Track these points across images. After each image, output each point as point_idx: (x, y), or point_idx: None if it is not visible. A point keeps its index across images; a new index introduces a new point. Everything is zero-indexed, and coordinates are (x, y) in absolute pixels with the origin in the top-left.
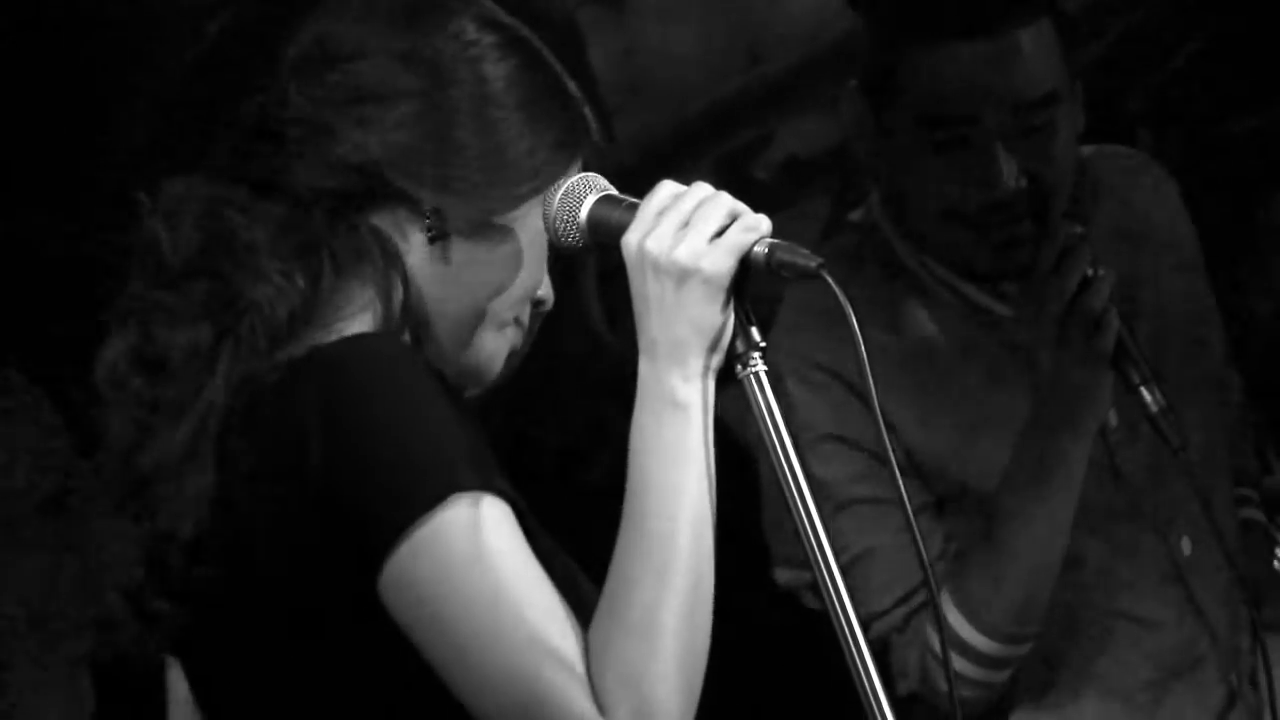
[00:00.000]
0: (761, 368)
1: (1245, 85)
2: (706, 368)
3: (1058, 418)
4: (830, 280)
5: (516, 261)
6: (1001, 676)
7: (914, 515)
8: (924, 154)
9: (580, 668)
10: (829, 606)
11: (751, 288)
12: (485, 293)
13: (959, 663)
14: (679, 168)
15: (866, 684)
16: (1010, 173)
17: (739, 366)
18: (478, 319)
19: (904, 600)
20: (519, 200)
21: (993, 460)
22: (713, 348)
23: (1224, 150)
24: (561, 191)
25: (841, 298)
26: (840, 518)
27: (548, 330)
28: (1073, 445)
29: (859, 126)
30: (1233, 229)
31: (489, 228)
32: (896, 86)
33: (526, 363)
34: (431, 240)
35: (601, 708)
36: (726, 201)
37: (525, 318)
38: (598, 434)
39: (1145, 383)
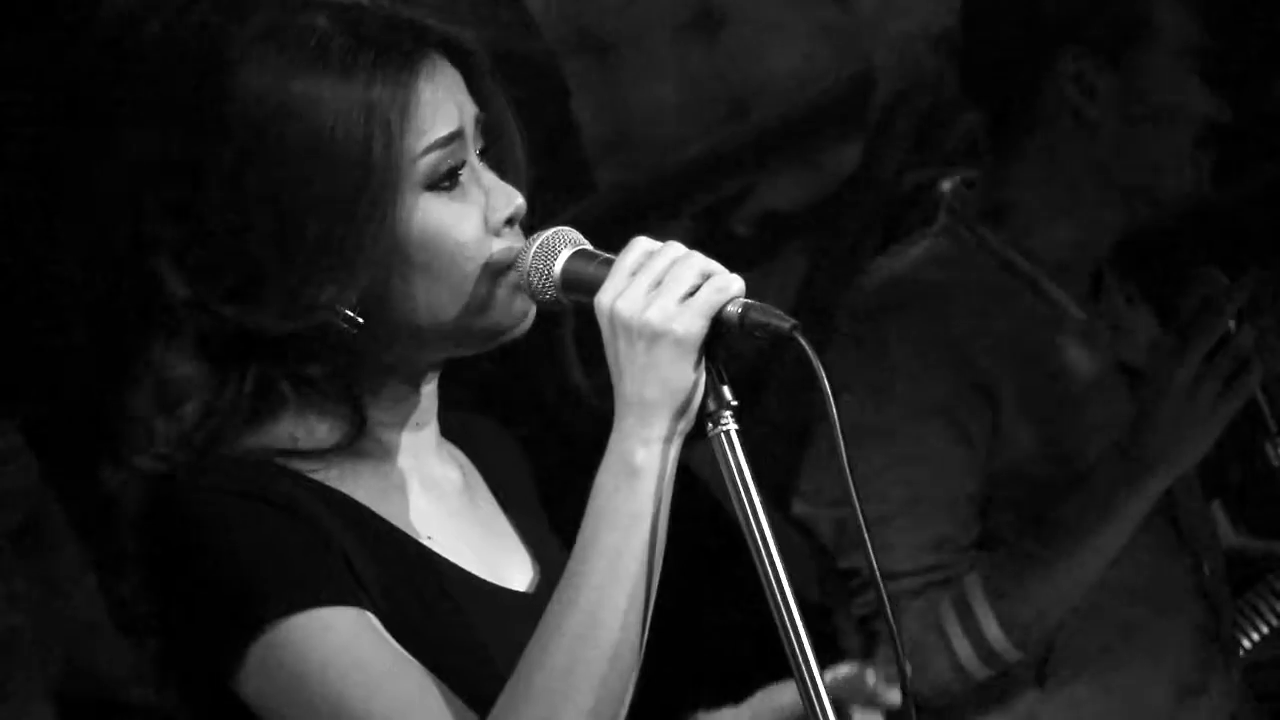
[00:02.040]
0: (732, 426)
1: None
2: (673, 432)
3: (1156, 457)
4: (804, 343)
5: (438, 238)
6: (986, 675)
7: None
8: (1189, 82)
9: None
10: (787, 649)
11: (725, 347)
12: (441, 282)
13: (965, 653)
14: (659, 219)
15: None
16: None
17: (709, 424)
18: (458, 296)
19: (928, 571)
20: (385, 218)
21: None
22: (682, 410)
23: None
24: (536, 245)
25: (814, 361)
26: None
27: (525, 380)
28: (1157, 487)
29: (1081, 80)
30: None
31: (390, 255)
32: (1159, 25)
33: (501, 411)
34: (359, 322)
35: None
36: (699, 261)
37: (506, 253)
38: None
39: (1271, 437)
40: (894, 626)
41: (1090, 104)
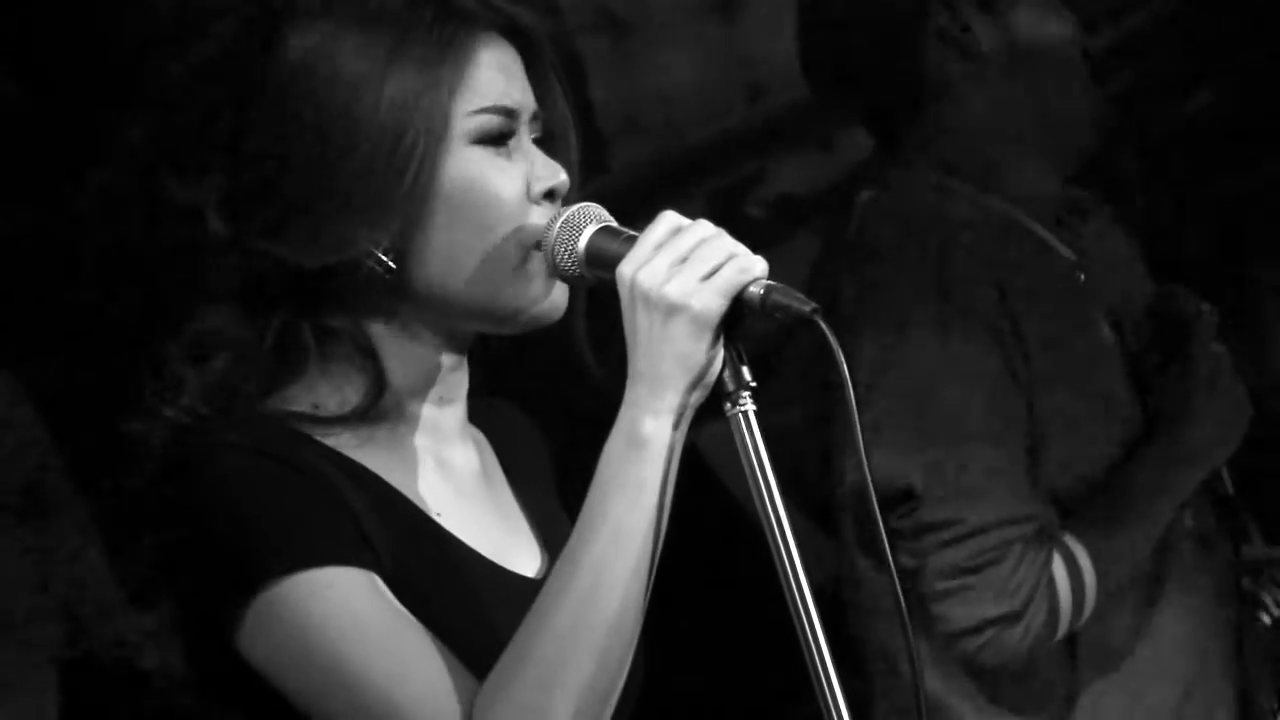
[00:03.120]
0: (750, 407)
1: (1237, 148)
2: (684, 405)
3: (1201, 448)
4: (824, 326)
5: (477, 190)
6: (1064, 633)
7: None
8: (1060, 20)
9: (444, 704)
10: (799, 631)
11: (746, 327)
12: (473, 238)
13: (1065, 606)
14: (672, 200)
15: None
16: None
17: (728, 404)
18: (487, 258)
19: (1027, 520)
20: (425, 160)
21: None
22: (694, 385)
23: (1213, 211)
24: (561, 220)
25: (834, 344)
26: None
27: (533, 356)
28: (1201, 475)
29: (964, 33)
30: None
31: (427, 200)
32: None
33: (510, 387)
34: (393, 268)
35: None
36: (726, 242)
37: (534, 221)
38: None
39: None
40: (906, 618)
41: (970, 60)
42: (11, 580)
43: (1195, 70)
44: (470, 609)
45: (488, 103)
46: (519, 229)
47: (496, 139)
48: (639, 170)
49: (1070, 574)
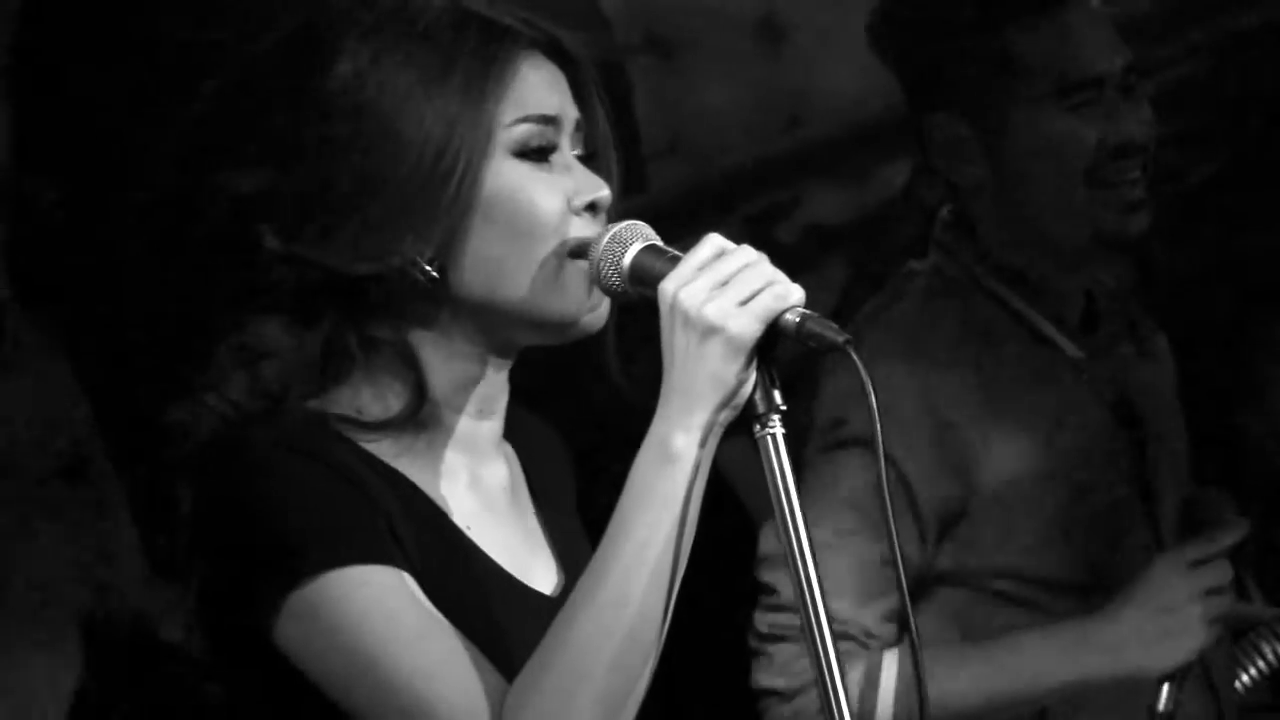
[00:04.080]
0: (779, 430)
1: (1255, 205)
2: (713, 423)
3: (1107, 662)
4: (854, 356)
5: (517, 202)
6: None
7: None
8: (1062, 121)
9: (473, 706)
10: (816, 672)
11: (780, 352)
12: (514, 250)
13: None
14: (708, 223)
15: None
16: (1129, 126)
17: (757, 426)
18: (528, 269)
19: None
20: (468, 171)
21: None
22: (724, 404)
23: (1230, 266)
24: (609, 236)
25: (864, 375)
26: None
27: (562, 366)
28: (1112, 676)
29: (953, 146)
30: (1231, 346)
31: (468, 212)
32: (1021, 69)
33: (538, 396)
34: (436, 278)
35: None
36: (766, 268)
37: (584, 232)
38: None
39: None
40: (915, 637)
41: (962, 168)
42: (45, 548)
43: (1221, 128)
44: (491, 621)
45: (528, 112)
46: (560, 240)
47: (538, 151)
48: (678, 191)
49: (867, 685)
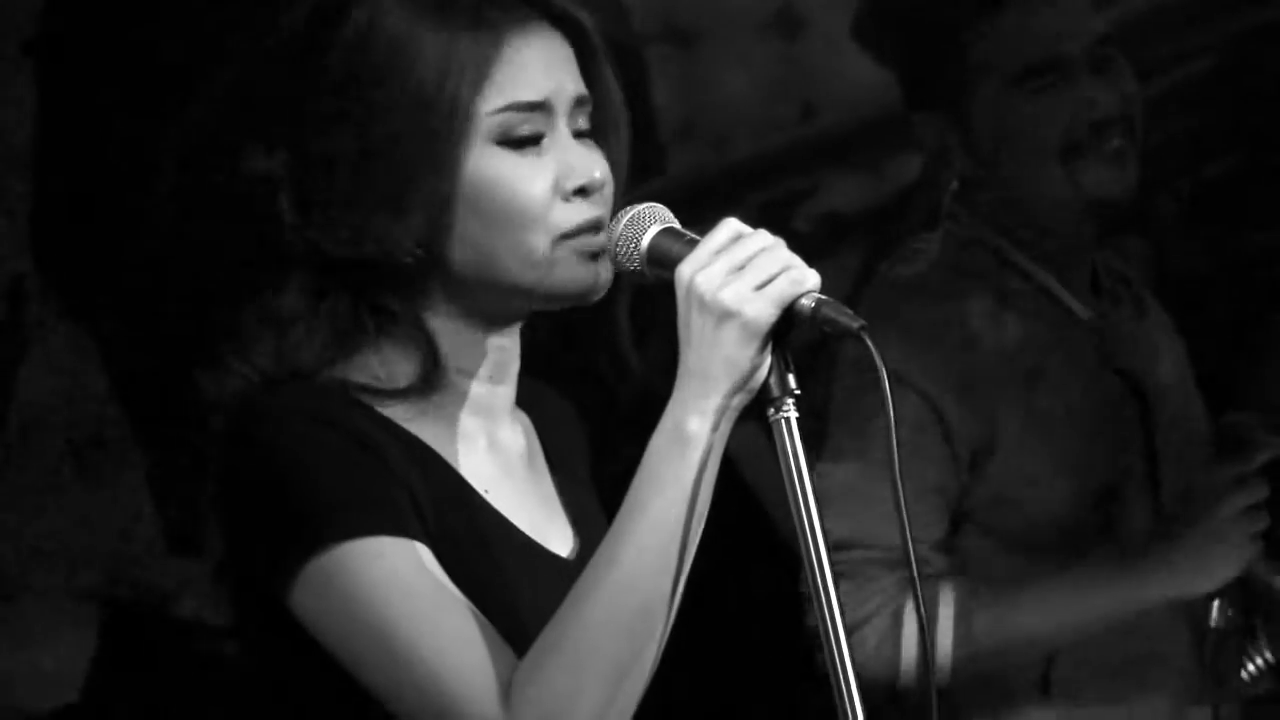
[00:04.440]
0: (793, 414)
1: (1265, 202)
2: (727, 406)
3: (1162, 583)
4: (870, 344)
5: (498, 192)
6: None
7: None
8: (1026, 106)
9: (482, 679)
10: (828, 659)
11: (795, 337)
12: (499, 237)
13: (908, 657)
14: (723, 209)
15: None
16: (1101, 98)
17: (771, 410)
18: (515, 253)
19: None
20: (445, 161)
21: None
22: (739, 388)
23: (1245, 259)
24: (628, 217)
25: (879, 361)
26: None
27: (577, 347)
28: (1160, 600)
29: (942, 140)
30: (1236, 341)
31: (450, 198)
32: (979, 63)
33: (554, 380)
34: (427, 260)
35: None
36: (783, 253)
37: (571, 218)
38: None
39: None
40: (924, 622)
41: (949, 163)
42: (64, 522)
43: (1231, 126)
44: (511, 584)
45: (511, 99)
46: (546, 225)
47: (522, 140)
48: (694, 177)
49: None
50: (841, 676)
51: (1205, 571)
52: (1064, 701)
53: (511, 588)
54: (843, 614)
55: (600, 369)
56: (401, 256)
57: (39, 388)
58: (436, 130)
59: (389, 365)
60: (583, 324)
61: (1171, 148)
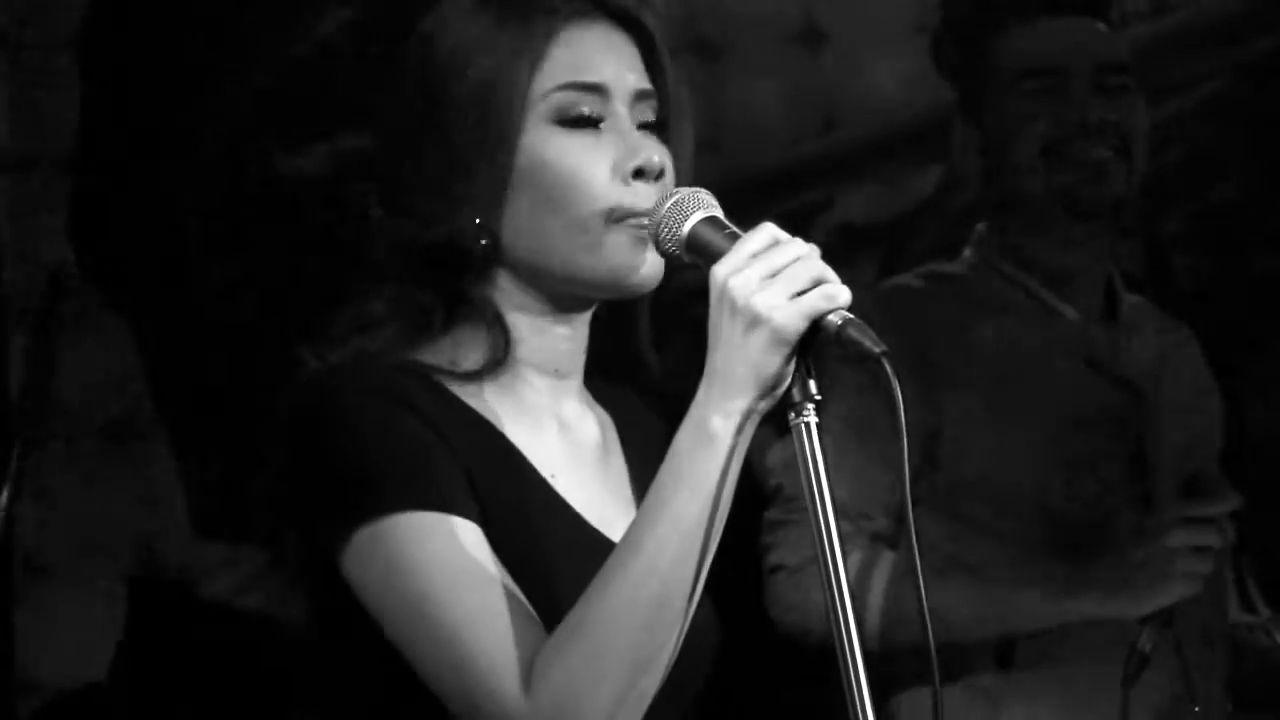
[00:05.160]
0: (813, 419)
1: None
2: (751, 410)
3: (1096, 600)
4: (889, 369)
5: (558, 171)
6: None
7: None
8: (1023, 102)
9: (508, 659)
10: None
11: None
12: (559, 217)
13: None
14: (743, 217)
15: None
16: (1095, 110)
17: (792, 414)
18: (574, 235)
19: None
20: (502, 140)
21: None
22: (764, 393)
23: (1250, 280)
24: (672, 200)
25: (895, 387)
26: None
27: (599, 358)
28: (1080, 615)
29: (960, 142)
30: (1247, 364)
31: (508, 179)
32: (995, 66)
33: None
34: (490, 245)
35: (533, 702)
36: (817, 265)
37: (627, 200)
38: None
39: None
40: (926, 616)
41: (966, 160)
42: (95, 504)
43: (1234, 151)
44: (561, 565)
45: (567, 79)
46: (606, 208)
47: (580, 120)
48: (717, 186)
49: (860, 576)
50: (853, 673)
51: (1137, 598)
52: (1023, 672)
53: (560, 569)
54: (851, 601)
55: (620, 369)
56: (467, 242)
57: (76, 375)
58: (495, 111)
59: (460, 349)
60: (604, 325)
61: (1178, 171)
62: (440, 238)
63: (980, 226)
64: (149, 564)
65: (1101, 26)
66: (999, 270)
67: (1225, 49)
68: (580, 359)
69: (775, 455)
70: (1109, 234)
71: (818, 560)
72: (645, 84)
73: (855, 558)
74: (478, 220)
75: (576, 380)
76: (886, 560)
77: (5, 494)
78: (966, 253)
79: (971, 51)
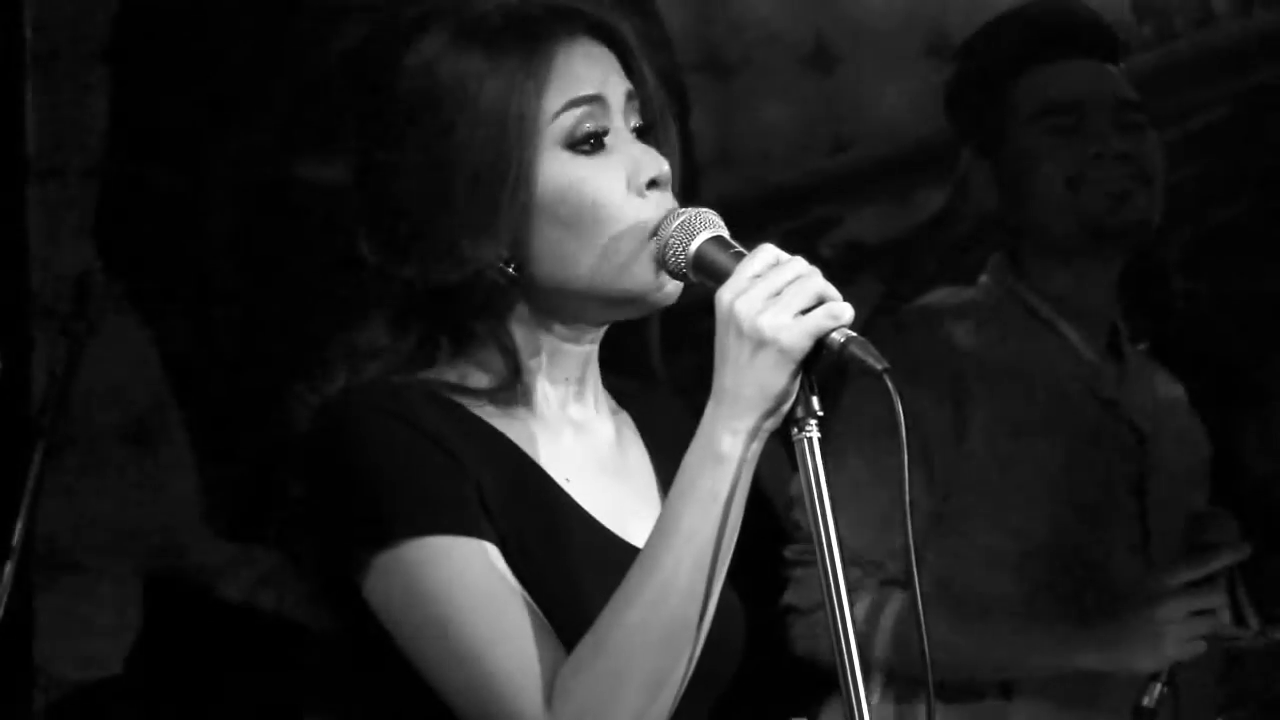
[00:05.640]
0: (816, 435)
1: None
2: (759, 428)
3: (1092, 655)
4: (891, 386)
5: (578, 195)
6: None
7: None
8: (1044, 137)
9: (529, 679)
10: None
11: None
12: (583, 239)
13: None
14: (753, 233)
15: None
16: (1114, 143)
17: (795, 430)
18: (598, 254)
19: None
20: (521, 171)
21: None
22: (771, 411)
23: (1249, 305)
24: (679, 220)
25: (897, 404)
26: None
27: (607, 360)
28: (1080, 667)
29: (969, 175)
30: (1244, 385)
31: (530, 209)
32: (1014, 104)
33: None
34: (516, 271)
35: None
36: (819, 283)
37: (653, 213)
38: None
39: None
40: (923, 631)
41: (977, 194)
42: (119, 503)
43: (1243, 172)
44: (581, 576)
45: (569, 96)
46: (630, 224)
47: (588, 138)
48: (727, 202)
49: (869, 617)
50: (851, 684)
51: (1138, 657)
52: (1026, 701)
53: (582, 578)
54: (852, 622)
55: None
56: (493, 275)
57: (99, 376)
58: (510, 144)
59: (471, 368)
60: (616, 338)
61: (1180, 194)
62: (465, 277)
63: (996, 255)
64: (168, 562)
65: (1113, 69)
66: (1020, 299)
67: (1227, 77)
68: (594, 365)
69: (798, 486)
70: (1120, 266)
71: (823, 590)
72: (630, 85)
73: (865, 600)
74: (503, 256)
75: (591, 384)
76: (896, 599)
77: (28, 493)
78: (983, 279)
79: (990, 93)
